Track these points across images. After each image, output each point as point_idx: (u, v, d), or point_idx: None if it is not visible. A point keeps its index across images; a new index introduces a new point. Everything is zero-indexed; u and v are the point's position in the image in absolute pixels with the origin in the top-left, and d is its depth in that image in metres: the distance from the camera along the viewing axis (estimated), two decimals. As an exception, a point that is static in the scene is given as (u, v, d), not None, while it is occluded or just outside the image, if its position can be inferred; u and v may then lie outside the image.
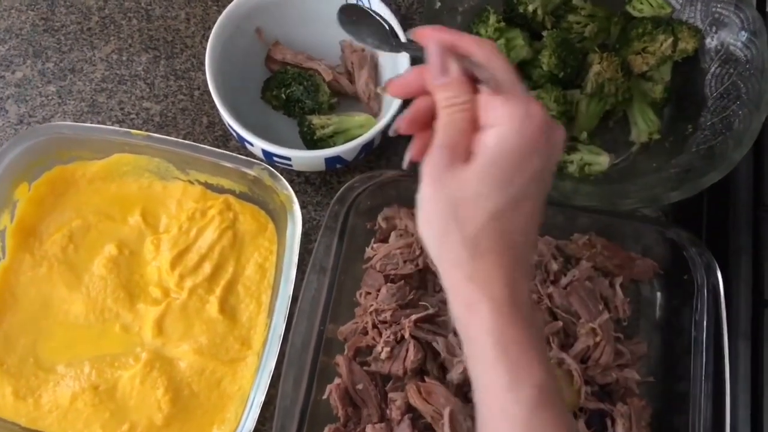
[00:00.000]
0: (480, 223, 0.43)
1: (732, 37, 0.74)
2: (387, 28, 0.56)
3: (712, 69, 0.76)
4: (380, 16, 0.58)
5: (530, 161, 0.43)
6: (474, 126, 0.45)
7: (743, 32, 0.73)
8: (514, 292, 0.43)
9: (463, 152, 0.44)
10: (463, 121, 0.44)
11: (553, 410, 0.42)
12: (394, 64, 0.76)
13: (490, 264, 0.43)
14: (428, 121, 0.47)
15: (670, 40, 0.75)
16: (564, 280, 0.70)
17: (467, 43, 0.46)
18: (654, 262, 0.73)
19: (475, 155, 0.44)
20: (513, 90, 0.45)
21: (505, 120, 0.43)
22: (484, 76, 0.45)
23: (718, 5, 0.75)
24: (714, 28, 0.76)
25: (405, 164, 0.49)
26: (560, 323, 0.67)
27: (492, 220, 0.43)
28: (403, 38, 0.64)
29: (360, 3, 0.76)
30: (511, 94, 0.44)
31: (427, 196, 0.44)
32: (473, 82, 0.46)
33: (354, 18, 0.57)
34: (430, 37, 0.47)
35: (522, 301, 0.43)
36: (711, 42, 0.76)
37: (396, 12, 0.77)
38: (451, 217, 0.43)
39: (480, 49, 0.46)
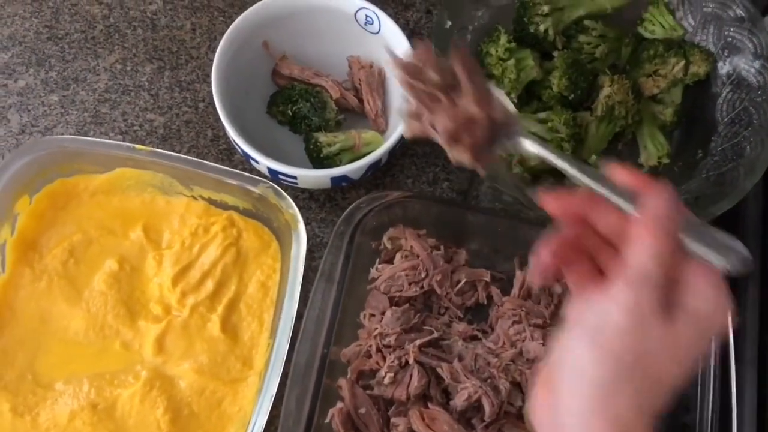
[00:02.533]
0: (663, 392, 0.39)
1: (745, 62, 0.74)
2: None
3: (724, 94, 0.75)
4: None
5: (695, 352, 0.40)
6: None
7: (757, 60, 0.72)
8: None
9: (666, 300, 0.39)
10: (672, 257, 0.39)
11: None
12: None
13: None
14: (572, 256, 0.43)
15: (681, 63, 0.75)
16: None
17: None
18: None
19: (682, 313, 0.39)
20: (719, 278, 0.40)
21: (710, 302, 0.39)
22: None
23: (731, 29, 0.75)
24: (726, 52, 0.75)
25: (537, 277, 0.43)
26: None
27: (670, 388, 0.39)
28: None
29: (369, 16, 0.75)
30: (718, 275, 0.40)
31: (619, 327, 0.38)
32: None
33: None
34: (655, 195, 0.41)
35: None
36: (723, 66, 0.76)
37: (404, 28, 0.76)
38: (640, 369, 0.38)
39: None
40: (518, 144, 0.49)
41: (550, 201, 0.43)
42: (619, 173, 0.43)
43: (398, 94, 0.78)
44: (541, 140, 0.48)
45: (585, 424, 0.38)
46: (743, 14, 0.73)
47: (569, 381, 0.40)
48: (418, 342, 0.65)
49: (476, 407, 0.64)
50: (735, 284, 0.70)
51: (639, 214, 0.40)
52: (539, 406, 0.42)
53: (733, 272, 0.41)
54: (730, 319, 0.41)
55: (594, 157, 0.75)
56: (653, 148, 0.76)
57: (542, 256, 0.42)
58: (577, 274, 0.43)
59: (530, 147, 0.48)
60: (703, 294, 0.39)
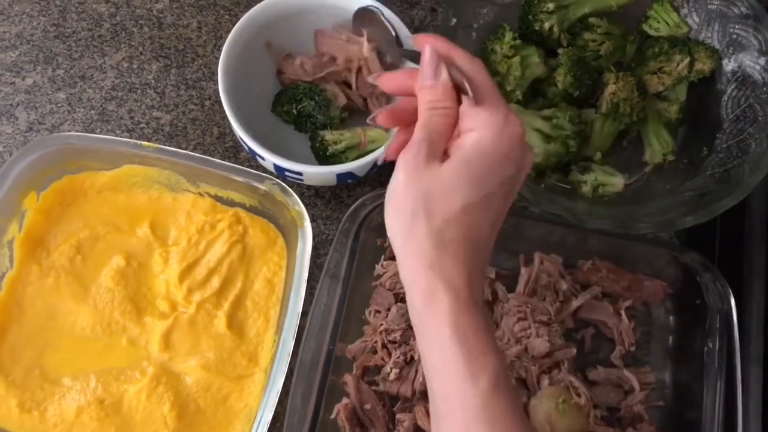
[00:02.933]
0: (449, 215, 0.45)
1: (750, 60, 0.73)
2: (393, 34, 0.64)
3: (729, 91, 0.75)
4: (390, 23, 0.66)
5: (503, 166, 0.46)
6: (453, 132, 0.48)
7: (762, 57, 0.72)
8: (472, 284, 0.45)
9: (440, 151, 0.47)
10: (444, 124, 0.47)
11: (508, 395, 0.44)
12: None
13: (452, 255, 0.45)
14: (409, 120, 0.50)
15: (686, 61, 0.75)
16: (575, 303, 0.70)
17: (460, 55, 0.49)
18: (663, 283, 0.72)
19: (452, 154, 0.46)
20: (495, 102, 0.47)
21: (483, 125, 0.46)
22: (470, 88, 0.47)
23: (737, 26, 0.75)
24: (731, 50, 0.75)
25: (380, 161, 0.53)
26: (574, 350, 0.67)
27: (461, 214, 0.45)
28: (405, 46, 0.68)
29: (373, 9, 0.75)
30: (492, 104, 0.47)
31: (399, 186, 0.46)
32: (458, 92, 0.48)
33: (367, 21, 0.65)
34: (428, 42, 0.49)
35: (478, 294, 0.46)
36: (728, 63, 0.76)
37: (409, 25, 0.76)
38: (421, 208, 0.45)
39: (470, 64, 0.49)
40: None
41: (383, 81, 0.52)
42: (418, 40, 0.50)
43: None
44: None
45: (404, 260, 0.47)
46: (748, 11, 0.73)
47: (391, 236, 0.48)
48: (423, 338, 0.65)
49: (481, 403, 0.64)
50: (740, 281, 0.70)
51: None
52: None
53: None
54: None
55: (598, 154, 0.75)
56: (658, 145, 0.76)
57: (379, 117, 0.51)
58: (399, 140, 0.51)
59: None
60: (475, 125, 0.46)
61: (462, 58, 0.49)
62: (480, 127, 0.46)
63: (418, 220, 0.45)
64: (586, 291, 0.70)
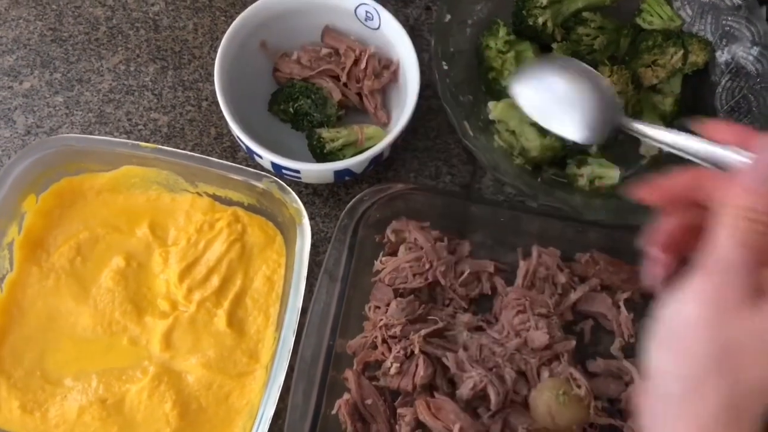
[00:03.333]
0: (758, 384, 0.34)
1: (743, 51, 0.74)
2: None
3: (723, 82, 0.76)
4: None
5: None
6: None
7: (755, 47, 0.73)
8: None
9: (755, 285, 0.35)
10: (765, 245, 0.35)
11: None
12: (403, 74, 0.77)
13: None
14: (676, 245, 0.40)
15: (680, 53, 0.75)
16: (573, 296, 0.70)
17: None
18: None
19: None
20: None
21: None
22: None
23: (729, 18, 0.75)
24: (725, 41, 0.76)
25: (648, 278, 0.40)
26: (573, 342, 0.67)
27: None
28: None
29: (369, 12, 0.76)
30: None
31: (691, 321, 0.35)
32: None
33: None
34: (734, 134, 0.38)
35: None
36: (721, 55, 0.76)
37: (404, 24, 0.76)
38: (723, 364, 0.34)
39: None
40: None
41: (647, 192, 0.40)
42: (717, 131, 0.39)
43: (396, 88, 0.79)
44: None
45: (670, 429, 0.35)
46: (740, 3, 0.74)
47: (654, 386, 0.36)
48: (423, 332, 0.65)
49: (482, 396, 0.64)
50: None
51: (736, 173, 0.36)
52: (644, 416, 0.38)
53: None
54: None
55: (594, 147, 0.75)
56: (654, 137, 0.77)
57: (652, 253, 0.39)
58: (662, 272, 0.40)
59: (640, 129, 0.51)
60: None
61: None
62: None
63: (712, 379, 0.34)
64: (585, 283, 0.71)
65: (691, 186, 0.39)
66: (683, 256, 0.39)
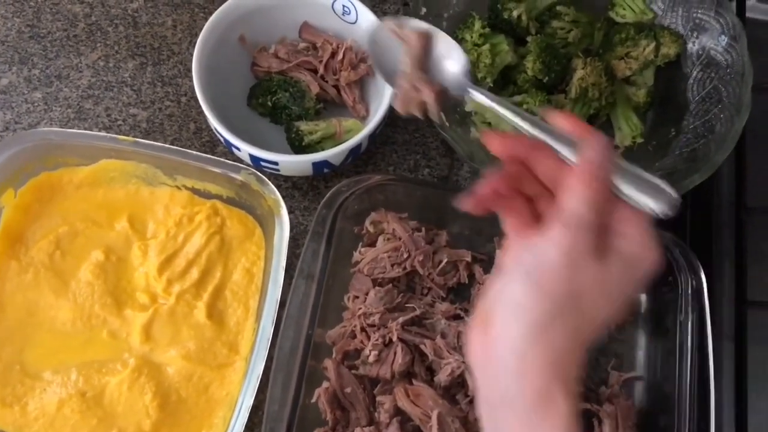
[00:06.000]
0: (595, 322, 0.42)
1: (713, 42, 0.75)
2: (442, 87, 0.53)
3: (694, 73, 0.77)
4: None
5: (638, 283, 0.44)
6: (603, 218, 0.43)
7: (723, 37, 0.74)
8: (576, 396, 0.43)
9: (597, 244, 0.42)
10: (605, 203, 0.42)
11: None
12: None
13: (579, 365, 0.42)
14: (507, 192, 0.45)
15: (652, 45, 0.77)
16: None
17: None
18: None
19: (611, 253, 0.42)
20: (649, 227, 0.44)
21: (636, 238, 0.43)
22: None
23: (699, 11, 0.77)
24: (695, 33, 0.77)
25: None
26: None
27: (602, 321, 0.42)
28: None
29: (346, 6, 0.77)
30: (648, 226, 0.43)
31: (557, 268, 0.41)
32: None
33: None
34: (573, 124, 0.45)
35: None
36: (692, 47, 0.78)
37: (381, 18, 0.77)
38: (574, 305, 0.41)
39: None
40: (469, 96, 0.52)
41: (494, 140, 0.46)
42: (560, 120, 0.46)
43: (375, 81, 0.80)
44: (489, 92, 0.50)
45: (521, 354, 0.41)
46: (710, -5, 0.76)
47: (507, 316, 0.42)
48: (401, 320, 0.66)
49: (460, 383, 0.65)
50: (710, 258, 0.72)
51: (576, 162, 0.43)
52: (475, 344, 0.44)
53: (662, 215, 0.43)
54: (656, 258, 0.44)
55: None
56: (627, 128, 0.78)
57: (481, 187, 0.44)
58: (516, 218, 0.45)
59: (479, 97, 0.51)
60: (633, 238, 0.43)
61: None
62: (633, 239, 0.42)
63: (565, 315, 0.41)
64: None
65: (529, 149, 0.45)
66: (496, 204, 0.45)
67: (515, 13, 0.77)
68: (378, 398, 0.66)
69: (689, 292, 0.69)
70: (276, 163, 0.71)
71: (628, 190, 0.43)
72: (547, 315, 0.41)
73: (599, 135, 0.44)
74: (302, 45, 0.80)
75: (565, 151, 0.44)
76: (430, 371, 0.67)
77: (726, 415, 0.68)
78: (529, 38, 0.77)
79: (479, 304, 0.45)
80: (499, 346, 0.42)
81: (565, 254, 0.41)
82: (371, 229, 0.73)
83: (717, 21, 0.75)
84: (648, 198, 0.43)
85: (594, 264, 0.42)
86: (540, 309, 0.41)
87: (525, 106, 0.74)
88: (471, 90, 0.52)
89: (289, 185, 0.79)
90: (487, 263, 0.73)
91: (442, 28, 0.77)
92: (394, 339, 0.66)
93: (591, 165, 0.42)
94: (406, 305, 0.69)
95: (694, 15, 0.77)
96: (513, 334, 0.42)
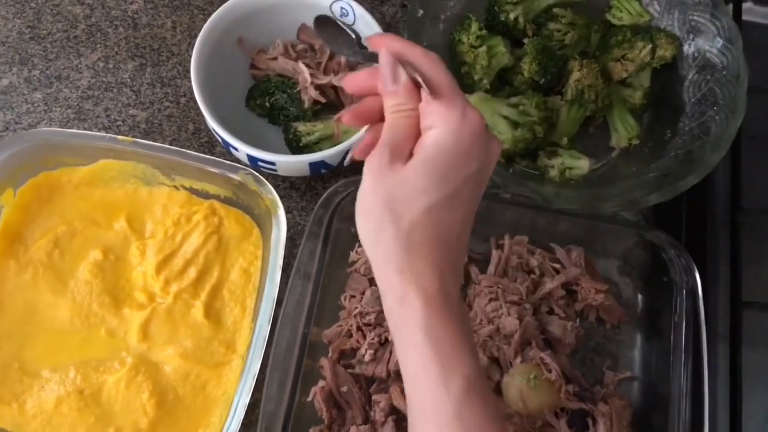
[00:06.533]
0: (415, 217, 0.44)
1: (708, 44, 0.76)
2: (354, 37, 0.60)
3: (690, 75, 0.78)
4: (349, 26, 0.63)
5: (466, 163, 0.46)
6: (417, 132, 0.47)
7: (719, 39, 0.74)
8: (445, 286, 0.44)
9: (405, 153, 0.46)
10: (408, 125, 0.47)
11: (481, 400, 0.44)
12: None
13: (422, 257, 0.44)
14: (375, 118, 0.50)
15: (648, 48, 0.77)
16: (548, 285, 0.71)
17: (414, 52, 0.48)
18: (622, 310, 0.74)
19: (415, 154, 0.46)
20: (453, 97, 0.47)
21: (442, 121, 0.46)
22: (425, 84, 0.47)
23: (695, 13, 0.77)
24: (691, 36, 0.78)
25: (347, 161, 0.54)
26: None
27: (426, 214, 0.45)
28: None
29: (344, 8, 0.77)
30: (450, 99, 0.46)
31: (366, 190, 0.46)
32: (418, 90, 0.48)
33: (328, 28, 0.62)
34: (383, 44, 0.49)
35: (453, 296, 0.45)
36: (688, 49, 0.78)
37: (380, 21, 0.78)
38: (387, 211, 0.45)
39: (426, 59, 0.48)
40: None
41: (352, 83, 0.51)
42: (372, 42, 0.50)
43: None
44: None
45: (371, 260, 0.47)
46: (705, -3, 0.76)
47: (363, 242, 0.48)
48: (396, 319, 0.66)
49: (455, 382, 0.65)
50: (705, 259, 0.72)
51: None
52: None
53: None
54: None
55: (565, 139, 0.77)
56: (624, 130, 0.78)
57: (345, 117, 0.51)
58: (366, 141, 0.51)
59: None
60: (433, 122, 0.46)
61: (417, 55, 0.48)
62: (438, 124, 0.46)
63: (385, 224, 0.45)
64: (555, 278, 0.72)
65: (373, 80, 0.49)
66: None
67: (512, 15, 0.77)
68: (374, 397, 0.66)
69: (684, 292, 0.69)
70: (273, 164, 0.72)
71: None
72: (374, 232, 0.46)
73: (387, 40, 0.49)
74: (300, 46, 0.80)
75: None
76: (426, 370, 0.67)
77: (720, 415, 0.68)
78: (525, 40, 0.78)
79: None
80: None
81: (367, 175, 0.46)
82: (368, 229, 0.73)
83: (713, 23, 0.75)
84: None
85: (390, 171, 0.46)
86: (369, 227, 0.46)
87: (521, 108, 0.74)
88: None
89: (286, 185, 0.80)
90: (483, 263, 0.73)
91: (439, 31, 0.79)
92: (390, 338, 0.66)
93: (384, 93, 0.48)
94: (402, 305, 0.69)
95: (690, 17, 0.77)
96: (369, 255, 0.47)
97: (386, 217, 0.45)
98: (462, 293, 0.71)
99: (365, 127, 0.70)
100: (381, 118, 0.49)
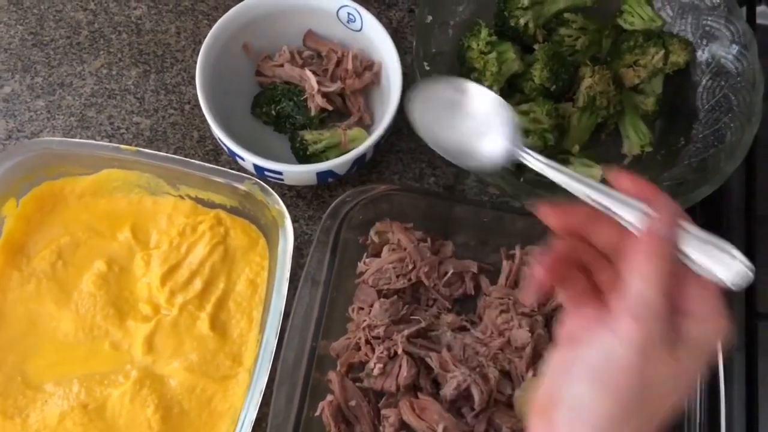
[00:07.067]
0: (656, 422, 0.38)
1: (723, 50, 0.74)
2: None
3: (704, 82, 0.76)
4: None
5: (696, 377, 0.40)
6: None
7: (734, 45, 0.73)
8: None
9: (670, 335, 0.38)
10: (674, 281, 0.38)
11: None
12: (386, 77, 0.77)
13: None
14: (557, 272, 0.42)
15: (661, 53, 0.76)
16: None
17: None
18: None
19: (680, 346, 0.38)
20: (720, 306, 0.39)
21: (710, 328, 0.39)
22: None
23: (709, 18, 0.76)
24: (705, 41, 0.76)
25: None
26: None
27: (661, 419, 0.39)
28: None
29: (351, 14, 0.76)
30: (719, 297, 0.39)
31: (628, 366, 0.38)
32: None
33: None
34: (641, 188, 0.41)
35: None
36: (702, 55, 0.77)
37: (387, 26, 0.77)
38: (640, 407, 0.38)
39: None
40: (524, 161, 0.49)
41: (549, 214, 0.42)
42: (621, 181, 0.42)
43: (380, 89, 0.79)
44: (545, 158, 0.47)
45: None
46: (719, 2, 0.74)
47: (570, 417, 0.39)
48: (406, 332, 0.65)
49: (466, 396, 0.64)
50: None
51: (640, 233, 0.39)
52: None
53: (734, 286, 0.39)
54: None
55: (576, 147, 0.76)
56: (636, 137, 0.77)
57: (538, 272, 0.41)
58: (572, 290, 0.42)
59: (532, 163, 0.48)
60: (705, 320, 0.39)
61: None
62: (706, 321, 0.39)
63: (633, 414, 0.38)
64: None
65: (586, 220, 0.41)
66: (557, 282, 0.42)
67: (522, 21, 0.76)
68: (383, 411, 0.65)
69: (699, 302, 0.68)
70: (280, 173, 0.70)
71: (697, 257, 0.39)
72: (614, 418, 0.38)
73: (665, 199, 0.40)
74: (307, 53, 0.79)
75: (627, 215, 0.40)
76: (436, 384, 0.66)
77: (737, 427, 0.67)
78: (536, 46, 0.76)
79: (540, 389, 0.41)
80: None
81: (637, 352, 0.37)
82: (376, 239, 0.72)
83: (727, 29, 0.74)
84: (718, 266, 0.38)
85: (665, 357, 0.37)
86: (607, 413, 0.38)
87: (532, 115, 0.73)
88: (523, 156, 0.48)
89: (293, 194, 0.79)
90: (494, 274, 0.72)
91: (448, 36, 0.77)
92: (399, 351, 0.65)
93: (658, 239, 0.38)
94: (412, 317, 0.68)
95: (704, 22, 0.76)
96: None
97: (638, 411, 0.38)
98: (473, 304, 0.71)
99: (375, 135, 0.69)
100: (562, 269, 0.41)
